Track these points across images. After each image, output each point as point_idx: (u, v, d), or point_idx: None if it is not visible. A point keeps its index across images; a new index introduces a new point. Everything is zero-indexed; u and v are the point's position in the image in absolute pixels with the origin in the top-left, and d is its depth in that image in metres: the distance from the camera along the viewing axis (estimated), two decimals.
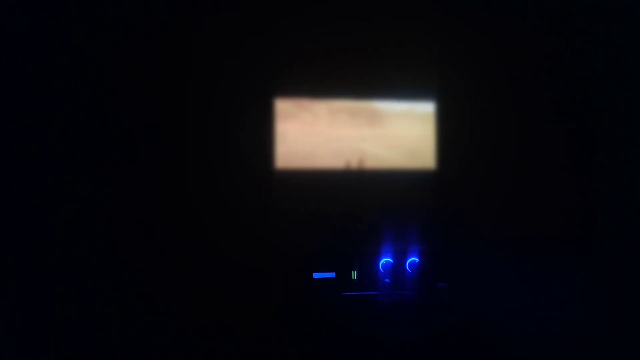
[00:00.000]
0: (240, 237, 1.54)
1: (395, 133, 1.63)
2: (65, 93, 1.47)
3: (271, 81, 1.57)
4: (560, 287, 1.60)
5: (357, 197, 1.61)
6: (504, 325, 1.55)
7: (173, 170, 1.52)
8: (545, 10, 1.67)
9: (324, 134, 1.61)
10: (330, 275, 1.57)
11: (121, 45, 1.50)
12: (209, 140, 1.54)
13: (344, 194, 1.61)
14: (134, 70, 1.50)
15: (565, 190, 1.66)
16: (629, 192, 1.65)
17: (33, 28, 1.45)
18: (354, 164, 1.62)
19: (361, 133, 1.62)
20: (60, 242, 1.44)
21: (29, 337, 1.40)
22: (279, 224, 1.56)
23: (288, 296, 1.54)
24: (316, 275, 1.57)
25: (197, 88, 1.54)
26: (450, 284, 1.59)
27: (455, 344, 1.54)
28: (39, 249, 1.43)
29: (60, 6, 1.46)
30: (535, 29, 1.68)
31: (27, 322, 1.41)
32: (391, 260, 1.58)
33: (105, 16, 1.49)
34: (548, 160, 1.67)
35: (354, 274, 1.58)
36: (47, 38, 1.46)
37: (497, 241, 1.62)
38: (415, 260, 1.59)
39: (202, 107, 1.54)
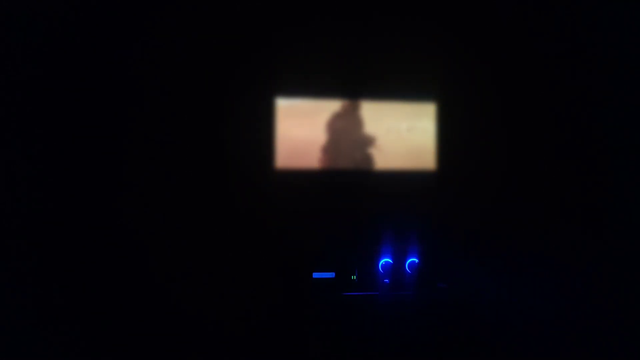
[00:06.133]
0: (239, 237, 1.53)
1: (396, 133, 1.63)
2: (65, 93, 1.46)
3: (271, 81, 1.57)
4: (560, 287, 1.60)
5: (357, 198, 1.61)
6: (503, 326, 1.56)
7: (172, 170, 1.51)
8: (547, 9, 1.67)
9: (324, 134, 1.60)
10: (330, 275, 1.57)
11: (122, 45, 1.48)
12: (209, 139, 1.53)
13: (344, 194, 1.61)
14: (134, 70, 1.49)
15: (567, 191, 1.67)
16: (630, 193, 1.65)
17: (32, 28, 1.44)
18: (354, 164, 1.62)
19: (361, 133, 1.62)
20: (60, 242, 1.43)
21: (28, 337, 1.40)
22: (278, 224, 1.56)
23: (287, 296, 1.54)
24: (316, 275, 1.57)
25: (197, 88, 1.53)
26: (450, 284, 1.60)
27: (455, 344, 1.54)
28: (40, 249, 1.42)
29: (59, 6, 1.45)
30: (538, 28, 1.67)
31: (26, 321, 1.40)
32: (391, 261, 1.58)
33: (106, 16, 1.47)
34: (549, 161, 1.67)
35: (354, 275, 1.58)
36: (47, 38, 1.45)
37: (497, 242, 1.62)
38: (414, 261, 1.59)
39: (202, 107, 1.53)
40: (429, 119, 1.64)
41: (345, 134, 1.61)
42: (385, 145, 1.63)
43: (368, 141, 1.62)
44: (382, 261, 1.59)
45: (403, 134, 1.62)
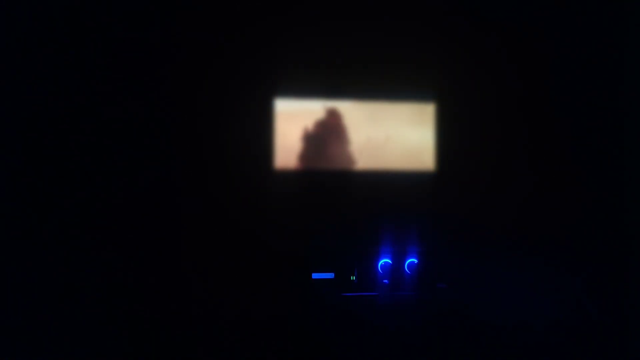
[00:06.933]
0: (239, 237, 1.53)
1: (395, 134, 1.63)
2: (64, 93, 1.46)
3: (271, 81, 1.57)
4: (558, 288, 1.60)
5: (356, 198, 1.61)
6: (503, 326, 1.55)
7: (172, 171, 1.51)
8: (545, 10, 1.68)
9: (323, 134, 1.61)
10: (329, 276, 1.58)
11: (122, 46, 1.49)
12: (209, 140, 1.54)
13: (343, 194, 1.61)
14: (134, 70, 1.50)
15: (564, 192, 1.67)
16: (630, 193, 1.65)
17: (32, 28, 1.45)
18: (353, 164, 1.62)
19: (360, 134, 1.62)
20: (60, 241, 1.43)
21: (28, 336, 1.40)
22: (278, 224, 1.56)
23: (287, 297, 1.54)
24: (315, 275, 1.57)
25: (197, 89, 1.53)
26: (450, 285, 1.60)
27: (455, 345, 1.54)
28: (40, 248, 1.43)
29: (58, 6, 1.46)
30: (536, 29, 1.68)
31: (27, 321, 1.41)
32: (390, 261, 1.58)
33: (107, 16, 1.48)
34: (547, 162, 1.67)
35: (353, 275, 1.58)
36: (45, 38, 1.46)
37: (495, 242, 1.62)
38: (414, 261, 1.59)
39: (202, 107, 1.54)
40: (429, 119, 1.65)
41: (344, 135, 1.61)
42: (384, 145, 1.63)
43: (367, 142, 1.62)
44: (382, 262, 1.59)
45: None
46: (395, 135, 1.63)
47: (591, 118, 1.68)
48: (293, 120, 1.59)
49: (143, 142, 1.50)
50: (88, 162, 1.47)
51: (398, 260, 1.59)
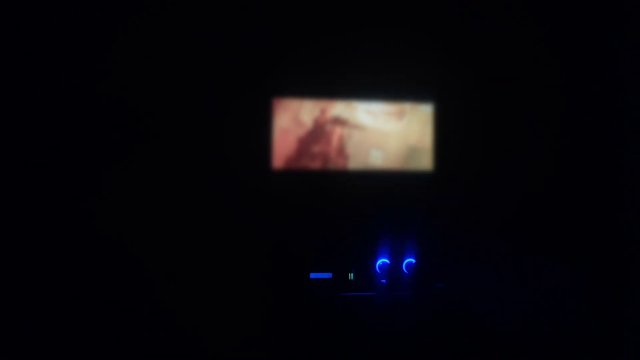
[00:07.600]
0: (237, 237, 1.54)
1: (394, 134, 1.63)
2: (65, 92, 1.47)
3: (270, 81, 1.58)
4: (555, 288, 1.60)
5: (354, 198, 1.61)
6: (501, 326, 1.55)
7: (170, 171, 1.52)
8: (543, 12, 1.67)
9: (321, 134, 1.61)
10: (327, 275, 1.58)
11: (121, 46, 1.50)
12: (207, 140, 1.54)
13: (341, 194, 1.61)
14: (132, 70, 1.51)
15: (565, 192, 1.66)
16: (628, 194, 1.65)
17: (31, 28, 1.46)
18: (351, 164, 1.62)
19: (359, 134, 1.62)
20: (63, 242, 1.45)
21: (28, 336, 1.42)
22: (276, 224, 1.57)
23: (285, 297, 1.54)
24: (313, 275, 1.57)
25: (195, 89, 1.54)
26: (447, 284, 1.60)
27: (453, 344, 1.54)
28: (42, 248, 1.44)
29: (58, 7, 1.47)
30: (534, 31, 1.67)
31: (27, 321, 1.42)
32: (388, 261, 1.59)
33: (106, 16, 1.49)
34: (545, 163, 1.66)
35: (351, 275, 1.59)
36: (45, 38, 1.47)
37: (494, 243, 1.62)
38: (411, 261, 1.59)
39: (200, 107, 1.54)
40: (427, 120, 1.65)
41: (342, 136, 1.62)
42: (382, 145, 1.63)
43: (365, 142, 1.63)
44: (379, 261, 1.59)
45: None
46: (394, 135, 1.63)
47: (590, 118, 1.67)
48: (291, 120, 1.59)
49: (140, 142, 1.51)
50: (86, 162, 1.48)
51: (396, 260, 1.59)
